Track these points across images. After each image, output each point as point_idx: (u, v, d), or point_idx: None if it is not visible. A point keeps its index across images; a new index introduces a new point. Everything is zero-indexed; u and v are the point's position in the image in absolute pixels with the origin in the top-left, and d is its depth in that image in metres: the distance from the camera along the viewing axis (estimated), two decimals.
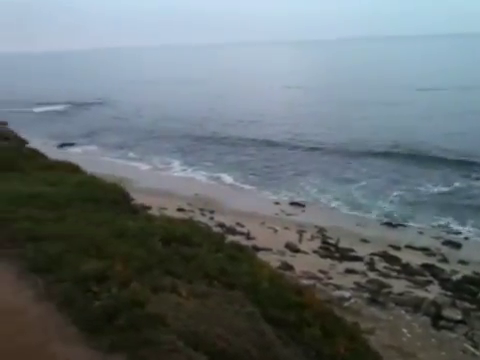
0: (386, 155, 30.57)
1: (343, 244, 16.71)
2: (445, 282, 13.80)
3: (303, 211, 21.26)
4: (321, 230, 18.38)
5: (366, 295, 11.70)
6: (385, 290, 12.46)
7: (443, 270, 14.78)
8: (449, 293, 12.86)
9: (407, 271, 14.55)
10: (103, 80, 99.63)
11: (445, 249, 16.92)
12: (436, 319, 10.83)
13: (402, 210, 21.14)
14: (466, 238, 18.07)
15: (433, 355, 9.43)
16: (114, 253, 5.09)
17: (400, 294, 12.24)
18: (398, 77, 77.15)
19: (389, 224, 19.55)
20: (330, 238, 17.41)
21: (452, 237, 18.05)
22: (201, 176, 27.66)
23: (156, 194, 21.83)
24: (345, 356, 5.23)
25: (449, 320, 10.86)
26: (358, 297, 11.44)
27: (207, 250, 6.20)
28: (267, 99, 59.20)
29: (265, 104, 54.45)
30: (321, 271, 13.82)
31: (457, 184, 24.27)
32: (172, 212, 16.94)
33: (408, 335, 9.99)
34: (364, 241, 17.41)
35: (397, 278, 13.87)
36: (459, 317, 10.99)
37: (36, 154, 12.18)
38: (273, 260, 13.03)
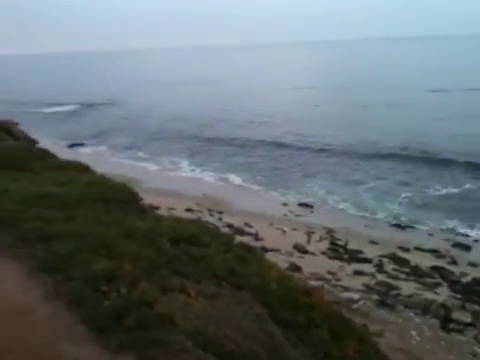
0: (395, 157, 30.35)
1: (352, 245, 16.63)
2: (454, 284, 13.68)
3: (311, 212, 21.20)
4: (330, 231, 18.32)
5: (375, 297, 11.63)
6: (394, 292, 12.39)
7: (452, 272, 14.66)
8: (458, 295, 12.74)
9: (416, 273, 14.45)
10: (113, 81, 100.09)
11: (455, 251, 16.78)
12: (445, 322, 10.74)
13: (411, 212, 21.01)
14: (476, 240, 17.90)
15: (442, 358, 9.36)
16: (123, 253, 5.11)
17: (409, 296, 12.16)
18: (408, 78, 76.68)
19: (398, 226, 19.44)
20: (339, 239, 17.34)
21: (462, 239, 17.90)
22: (209, 177, 27.69)
23: (165, 194, 21.88)
24: (354, 358, 5.21)
25: (458, 323, 10.76)
26: (367, 299, 11.38)
27: (216, 250, 6.20)
28: (276, 100, 59.15)
29: (274, 105, 54.38)
30: (329, 272, 13.76)
31: (467, 186, 24.07)
32: (180, 212, 16.96)
33: (417, 338, 9.92)
34: (373, 243, 17.32)
35: (406, 280, 13.78)
36: (469, 320, 10.89)
37: (46, 154, 12.26)
38: (281, 261, 13.00)
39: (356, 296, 11.40)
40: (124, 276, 4.55)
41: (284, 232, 17.96)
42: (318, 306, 5.75)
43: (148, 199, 12.63)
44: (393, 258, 15.65)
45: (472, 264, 15.52)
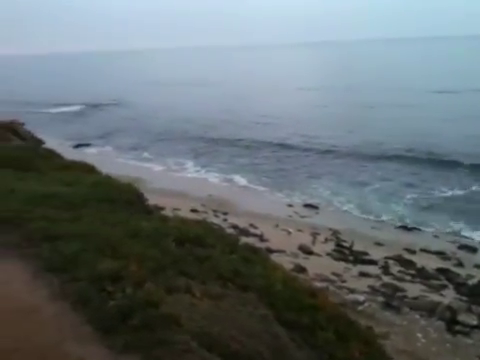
0: (401, 158, 30.24)
1: (357, 247, 16.58)
2: (460, 286, 13.61)
3: (317, 213, 21.17)
4: (335, 233, 18.28)
5: (380, 299, 11.59)
6: (399, 294, 12.34)
7: (458, 274, 14.58)
8: (464, 298, 12.67)
9: (422, 275, 14.39)
10: (118, 81, 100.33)
11: (461, 253, 16.69)
12: (451, 324, 10.68)
13: (417, 213, 20.93)
14: None
15: None
16: (129, 253, 5.13)
17: (415, 298, 12.11)
18: (413, 79, 76.39)
19: (404, 227, 19.37)
20: (344, 241, 17.29)
21: (468, 241, 17.82)
22: (214, 177, 27.70)
23: (170, 195, 21.90)
24: None
25: (465, 325, 10.70)
26: (372, 301, 11.34)
27: (221, 251, 6.20)
28: (281, 101, 59.08)
29: (279, 106, 54.32)
30: (335, 274, 13.72)
31: (473, 188, 23.95)
32: (185, 213, 16.97)
33: (423, 340, 9.87)
34: (378, 244, 17.27)
35: (412, 282, 13.72)
36: (475, 322, 10.82)
37: (52, 154, 12.31)
38: (286, 262, 12.98)
39: (361, 298, 11.36)
40: (130, 276, 4.57)
41: (289, 233, 17.94)
42: (323, 308, 5.74)
43: (153, 199, 12.64)
44: (399, 260, 15.59)
45: (478, 266, 15.43)
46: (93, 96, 69.23)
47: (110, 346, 3.76)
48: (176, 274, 4.98)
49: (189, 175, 28.57)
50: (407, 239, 18.07)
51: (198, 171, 29.40)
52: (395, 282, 13.42)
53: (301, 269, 13.42)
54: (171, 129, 43.22)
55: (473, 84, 63.27)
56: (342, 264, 14.97)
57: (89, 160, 13.50)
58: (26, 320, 4.12)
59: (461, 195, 23.16)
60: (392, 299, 11.73)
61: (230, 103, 58.27)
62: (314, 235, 17.72)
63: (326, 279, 13.01)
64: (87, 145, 37.31)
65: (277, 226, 18.68)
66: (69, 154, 16.39)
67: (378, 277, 13.85)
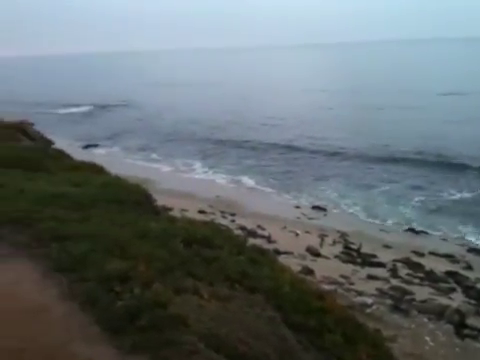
0: (408, 160, 30.06)
1: (365, 249, 16.51)
2: (469, 290, 13.51)
3: (325, 215, 21.12)
4: (343, 235, 18.22)
5: (388, 302, 11.52)
6: (408, 297, 12.26)
7: (467, 278, 14.48)
8: (473, 301, 12.58)
9: (430, 278, 14.30)
10: (124, 82, 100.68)
11: (470, 256, 16.59)
12: (460, 327, 10.59)
13: (425, 216, 20.82)
14: None
15: None
16: (137, 254, 5.14)
17: (423, 301, 12.03)
18: (421, 81, 76.08)
19: (412, 230, 19.26)
20: (352, 243, 17.23)
21: (477, 244, 17.70)
22: (222, 179, 27.73)
23: (177, 196, 21.95)
24: None
25: (473, 329, 10.62)
26: (380, 304, 11.28)
27: (228, 253, 6.20)
28: (288, 103, 59.02)
29: (286, 108, 54.26)
30: (342, 276, 13.67)
31: None
32: (193, 214, 17.00)
33: (431, 343, 9.80)
34: (387, 247, 17.19)
35: (420, 285, 13.64)
36: None
37: (62, 155, 12.39)
38: (294, 264, 12.95)
39: (369, 300, 11.30)
40: (138, 277, 4.58)
41: (297, 235, 17.91)
42: (331, 310, 5.72)
43: (161, 200, 12.67)
44: (407, 263, 15.50)
45: None
46: (101, 97, 69.57)
47: (118, 346, 3.77)
48: (184, 275, 4.99)
49: (197, 176, 28.62)
50: (415, 242, 17.98)
51: (206, 172, 29.45)
52: (403, 285, 13.35)
53: (309, 271, 13.37)
54: (179, 130, 43.36)
55: None
56: (350, 266, 14.91)
57: (98, 161, 13.57)
58: (35, 320, 4.15)
59: (469, 198, 22.99)
60: (400, 302, 11.67)
61: (236, 104, 58.32)
62: (322, 237, 17.68)
63: (334, 281, 12.96)
64: (96, 146, 37.52)
65: (285, 228, 18.65)
66: (78, 155, 16.49)
67: (386, 280, 13.78)
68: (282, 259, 11.87)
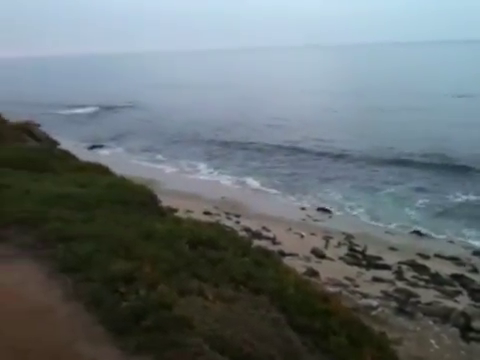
0: (414, 163, 29.91)
1: (370, 252, 16.46)
2: (475, 293, 13.44)
3: (330, 217, 21.07)
4: (348, 237, 18.17)
5: (394, 304, 11.48)
6: (413, 300, 12.22)
7: (473, 280, 14.40)
8: (479, 304, 12.53)
9: (436, 281, 14.24)
10: (127, 84, 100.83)
11: (475, 259, 16.49)
12: (465, 331, 10.54)
13: (431, 219, 20.73)
14: None
15: None
16: (142, 255, 5.15)
17: (428, 304, 11.98)
18: (430, 82, 75.82)
19: (417, 232, 19.18)
20: (357, 245, 17.18)
21: None
22: (227, 180, 27.72)
23: (183, 197, 21.96)
24: None
25: (479, 332, 10.56)
26: (385, 306, 11.23)
27: (233, 254, 6.20)
28: (292, 104, 58.97)
29: (290, 109, 54.22)
30: (347, 278, 13.63)
31: None
32: (198, 215, 17.00)
33: (436, 346, 9.75)
34: (392, 249, 17.13)
35: (425, 288, 13.59)
36: None
37: (67, 156, 12.43)
38: (298, 266, 12.93)
39: (374, 303, 11.26)
40: (143, 278, 4.59)
41: (302, 237, 17.88)
42: (336, 312, 5.70)
43: (166, 201, 12.69)
44: (412, 265, 15.45)
45: None
46: (106, 98, 69.67)
47: (123, 347, 3.78)
48: (189, 276, 4.99)
49: (202, 177, 28.63)
50: (421, 244, 17.91)
51: (211, 173, 29.47)
52: (409, 287, 13.30)
53: (313, 273, 13.35)
54: (183, 131, 43.41)
55: None
56: (355, 269, 14.88)
57: (103, 161, 13.59)
58: (40, 320, 4.16)
59: (475, 201, 22.87)
60: (405, 304, 11.62)
61: (240, 105, 58.33)
62: (327, 239, 17.64)
63: (339, 283, 12.93)
64: (101, 146, 37.63)
65: (290, 229, 18.63)
66: (84, 155, 16.53)
67: (391, 282, 13.73)
68: (287, 261, 11.86)
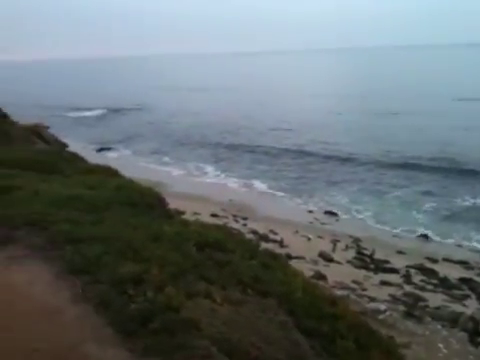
0: (421, 166, 29.78)
1: (378, 255, 16.40)
2: None
3: (337, 220, 21.03)
4: (356, 240, 18.12)
5: (401, 308, 11.43)
6: (421, 303, 12.16)
7: None
8: None
9: (444, 285, 14.16)
10: (139, 86, 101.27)
11: None
12: (474, 335, 10.46)
13: (439, 222, 20.64)
14: None
15: None
16: (150, 257, 5.15)
17: (437, 308, 11.92)
18: (435, 86, 75.43)
19: (426, 236, 19.09)
20: (365, 249, 17.13)
21: None
22: (234, 183, 27.76)
23: (190, 199, 22.01)
24: None
25: None
26: (393, 310, 11.18)
27: (241, 257, 6.18)
28: (298, 107, 59.01)
29: (296, 112, 54.24)
30: (355, 282, 13.59)
31: None
32: (206, 217, 17.04)
33: (444, 351, 9.69)
34: (400, 253, 17.06)
35: (434, 292, 13.52)
36: None
37: (76, 158, 12.49)
38: (306, 269, 12.89)
39: (382, 307, 11.21)
40: (151, 280, 4.59)
41: (309, 240, 17.85)
42: (344, 316, 5.67)
43: (174, 203, 12.70)
44: (421, 269, 15.38)
45: None
46: (114, 100, 70.08)
47: (130, 349, 3.78)
48: (196, 279, 4.99)
49: (209, 180, 28.69)
50: (429, 248, 17.83)
51: (218, 176, 29.52)
52: (417, 291, 13.24)
53: (321, 276, 13.32)
54: (191, 134, 43.58)
55: None
56: (363, 272, 14.83)
57: (111, 164, 13.65)
58: (48, 321, 4.17)
59: None
60: (414, 308, 11.56)
61: (247, 109, 58.43)
62: (334, 242, 17.60)
63: (346, 287, 12.89)
64: (109, 149, 37.83)
65: (297, 232, 18.61)
66: (92, 158, 16.61)
67: (399, 286, 13.68)
68: (294, 264, 11.82)
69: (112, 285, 4.57)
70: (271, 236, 17.71)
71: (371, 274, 14.71)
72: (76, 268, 4.96)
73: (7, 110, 18.10)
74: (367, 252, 16.75)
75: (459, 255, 17.02)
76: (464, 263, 16.26)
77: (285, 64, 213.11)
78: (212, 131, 44.36)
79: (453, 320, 11.00)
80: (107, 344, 3.86)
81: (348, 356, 5.05)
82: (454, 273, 15.19)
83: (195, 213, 18.33)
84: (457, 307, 12.20)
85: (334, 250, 16.84)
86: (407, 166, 30.07)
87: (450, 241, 18.64)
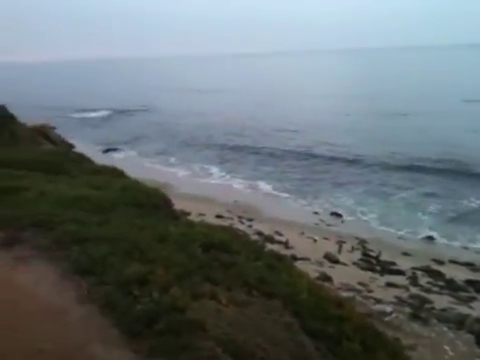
0: (427, 168, 29.63)
1: (384, 257, 16.35)
2: None
3: (343, 222, 20.97)
4: (361, 242, 18.07)
5: (408, 310, 11.36)
6: (427, 305, 12.09)
7: None
8: None
9: (450, 287, 14.10)
10: (144, 87, 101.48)
11: None
12: None
13: (445, 224, 20.54)
14: None
15: None
16: (156, 258, 5.16)
17: (443, 310, 11.85)
18: (440, 88, 75.09)
19: (432, 238, 19.01)
20: (371, 250, 17.08)
21: None
22: (239, 184, 27.76)
23: (195, 200, 22.04)
24: None
25: None
26: (399, 312, 11.13)
27: (246, 258, 6.17)
28: (304, 108, 58.93)
29: (302, 113, 54.19)
30: (361, 283, 13.54)
31: None
32: (211, 218, 17.05)
33: (451, 353, 9.62)
34: (406, 254, 17.00)
35: (440, 294, 13.45)
36: None
37: (82, 158, 12.54)
38: (311, 270, 12.87)
39: (388, 308, 11.16)
40: (156, 281, 4.59)
41: (315, 241, 17.81)
42: (350, 317, 5.64)
43: (179, 204, 12.73)
44: (427, 271, 15.32)
45: None
46: (119, 102, 70.26)
47: (136, 350, 3.77)
48: (202, 280, 4.98)
49: (214, 181, 28.71)
50: (435, 250, 17.75)
51: (223, 177, 29.52)
52: (423, 293, 13.18)
53: (326, 278, 13.28)
54: (196, 135, 43.63)
55: None
56: (369, 274, 14.78)
57: (117, 165, 13.70)
58: (54, 321, 4.18)
59: None
60: (420, 310, 11.49)
61: (251, 110, 58.44)
62: (340, 244, 17.56)
63: (352, 289, 12.85)
64: (115, 150, 37.93)
65: (302, 233, 18.58)
66: (98, 158, 16.68)
67: (405, 288, 13.62)
68: (299, 265, 11.79)
69: (118, 286, 4.58)
70: (276, 237, 17.69)
71: (377, 276, 14.66)
72: (82, 268, 4.97)
73: (12, 111, 18.19)
74: (373, 254, 16.70)
75: (465, 257, 16.94)
76: (470, 265, 16.19)
77: (288, 65, 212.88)
78: (217, 132, 44.42)
79: (459, 322, 10.94)
80: (112, 345, 3.86)
81: (354, 358, 5.03)
82: (460, 275, 15.11)
83: (200, 214, 18.34)
84: (463, 309, 12.13)
85: (340, 251, 16.80)
86: (413, 168, 29.92)
87: (456, 243, 18.54)
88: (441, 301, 12.67)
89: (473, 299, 13.25)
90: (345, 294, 11.59)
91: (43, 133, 18.57)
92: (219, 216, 19.63)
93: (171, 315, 4.05)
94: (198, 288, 4.72)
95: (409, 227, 20.20)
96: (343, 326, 5.37)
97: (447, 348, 9.77)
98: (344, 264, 15.62)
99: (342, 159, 33.23)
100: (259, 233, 17.72)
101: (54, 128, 21.07)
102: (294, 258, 14.64)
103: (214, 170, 31.16)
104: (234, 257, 6.04)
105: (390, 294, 12.85)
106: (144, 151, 37.69)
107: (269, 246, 11.47)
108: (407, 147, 34.79)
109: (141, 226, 6.32)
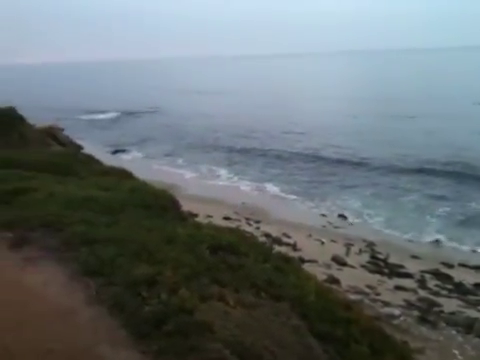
0: (436, 171, 29.35)
1: (392, 260, 16.26)
2: None
3: (350, 224, 20.90)
4: (370, 244, 17.99)
5: (416, 313, 11.30)
6: (436, 309, 12.02)
7: None
8: None
9: (459, 290, 14.00)
10: (152, 89, 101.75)
11: None
12: None
13: (454, 227, 20.39)
14: None
15: None
16: (164, 259, 5.17)
17: (451, 313, 11.77)
18: (450, 89, 74.58)
19: (439, 241, 18.89)
20: (379, 253, 16.99)
21: None
22: (246, 186, 27.74)
23: (203, 202, 22.06)
24: None
25: None
26: (408, 315, 11.07)
27: (254, 260, 6.17)
28: (311, 110, 58.83)
29: (309, 115, 54.10)
30: (369, 286, 13.48)
31: None
32: (218, 220, 17.05)
33: (459, 357, 9.56)
34: (414, 257, 16.90)
35: (448, 297, 13.35)
36: None
37: (91, 160, 12.61)
38: (319, 273, 12.83)
39: (397, 312, 11.11)
40: (165, 282, 4.60)
41: (322, 243, 17.76)
42: (357, 320, 5.62)
43: (187, 206, 12.75)
44: (436, 274, 15.22)
45: None
46: (127, 104, 70.50)
47: (144, 351, 3.78)
48: (210, 281, 4.99)
49: (221, 183, 28.72)
50: (444, 253, 17.63)
51: (231, 179, 29.53)
52: (431, 296, 13.09)
53: (334, 280, 13.24)
54: (204, 137, 43.71)
55: None
56: (377, 277, 14.71)
57: (125, 166, 13.77)
58: (62, 322, 4.20)
59: None
60: (428, 314, 11.43)
61: (259, 112, 58.45)
62: (348, 246, 17.49)
63: (360, 291, 12.80)
64: (124, 151, 38.11)
65: (310, 236, 18.53)
66: (107, 160, 16.75)
67: (414, 291, 13.54)
68: (307, 267, 11.77)
69: (126, 287, 4.59)
70: (284, 239, 17.66)
71: (385, 279, 14.58)
72: (90, 270, 4.99)
73: (20, 113, 18.30)
74: (381, 256, 16.62)
75: (475, 260, 16.81)
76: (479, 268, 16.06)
77: (292, 67, 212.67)
78: (224, 134, 44.47)
79: (468, 326, 10.86)
80: (121, 346, 3.87)
81: None
82: (469, 278, 15.00)
83: (208, 216, 18.35)
84: (472, 313, 12.05)
85: (348, 254, 16.74)
86: (421, 170, 29.70)
87: (464, 246, 18.40)
88: (450, 304, 12.58)
89: None
90: (353, 297, 11.55)
91: (52, 134, 18.68)
92: (227, 218, 19.63)
93: (179, 316, 4.06)
94: (206, 290, 4.73)
95: (417, 230, 20.07)
96: (351, 329, 5.35)
97: (456, 352, 9.71)
98: (352, 267, 15.56)
99: (349, 161, 33.09)
100: (267, 235, 17.70)
101: (63, 129, 21.19)
102: (302, 260, 14.61)
103: (222, 172, 31.18)
104: (242, 259, 6.04)
105: (398, 297, 12.78)
106: (152, 152, 37.82)
107: (277, 248, 11.46)
108: (415, 149, 34.59)
109: (149, 227, 6.34)
